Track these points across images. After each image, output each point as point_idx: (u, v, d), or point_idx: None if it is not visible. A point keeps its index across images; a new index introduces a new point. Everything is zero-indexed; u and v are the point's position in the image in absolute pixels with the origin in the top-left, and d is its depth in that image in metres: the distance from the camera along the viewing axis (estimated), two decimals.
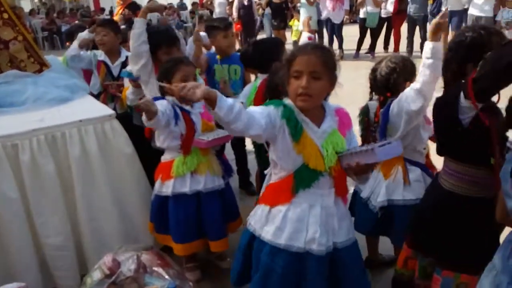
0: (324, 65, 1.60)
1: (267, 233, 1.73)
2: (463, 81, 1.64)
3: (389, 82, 2.14)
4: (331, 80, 1.65)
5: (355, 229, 2.07)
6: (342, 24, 9.33)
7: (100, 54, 3.33)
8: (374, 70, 2.23)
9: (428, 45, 1.90)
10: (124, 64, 3.29)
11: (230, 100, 1.50)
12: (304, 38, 2.68)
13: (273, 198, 1.76)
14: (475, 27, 1.75)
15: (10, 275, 2.24)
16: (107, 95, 3.28)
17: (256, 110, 1.61)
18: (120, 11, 6.15)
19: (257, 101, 2.62)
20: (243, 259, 1.86)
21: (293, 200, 1.70)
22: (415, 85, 1.98)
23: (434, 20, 1.91)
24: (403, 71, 2.14)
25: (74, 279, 2.40)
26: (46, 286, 2.40)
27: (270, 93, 2.25)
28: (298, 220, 1.70)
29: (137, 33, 2.56)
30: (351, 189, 2.09)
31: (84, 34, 3.41)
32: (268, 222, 1.74)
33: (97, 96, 3.26)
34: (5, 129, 2.29)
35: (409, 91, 2.01)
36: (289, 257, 1.69)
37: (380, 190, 2.21)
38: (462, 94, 1.62)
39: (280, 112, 1.63)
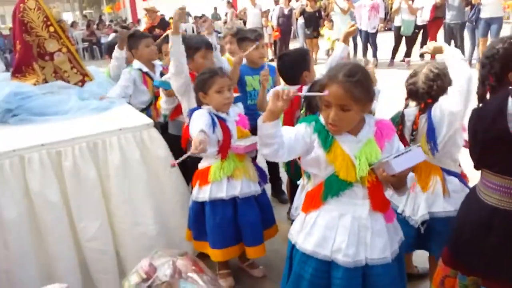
0: (353, 98, 1.57)
1: (298, 239, 1.76)
2: (510, 87, 1.59)
3: (432, 88, 2.11)
4: (364, 106, 1.62)
5: None
6: (376, 32, 9.26)
7: (140, 66, 3.35)
8: (413, 76, 2.18)
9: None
10: (161, 73, 3.40)
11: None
12: (339, 50, 2.64)
13: (307, 204, 1.79)
14: (503, 38, 1.71)
15: (52, 277, 2.33)
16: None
17: (292, 138, 1.67)
18: (148, 27, 6.28)
19: (286, 113, 2.64)
20: (289, 270, 1.85)
21: (324, 206, 1.70)
22: (458, 87, 1.96)
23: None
24: (446, 78, 2.10)
25: (114, 283, 2.47)
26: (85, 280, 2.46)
27: (308, 108, 2.29)
28: (327, 228, 1.69)
29: (177, 51, 2.51)
30: None
31: (118, 54, 3.49)
32: (302, 229, 1.76)
33: (146, 109, 3.28)
34: (50, 136, 2.40)
35: (452, 92, 1.99)
36: (318, 265, 1.69)
37: (419, 204, 2.14)
38: (510, 101, 1.56)
39: (312, 127, 1.68)
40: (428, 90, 2.11)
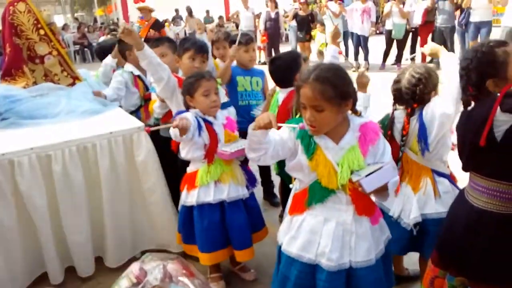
0: (324, 98, 1.56)
1: (284, 241, 1.78)
2: (497, 93, 1.61)
3: (415, 93, 2.12)
4: (339, 106, 1.60)
5: None
6: (368, 36, 9.31)
7: (133, 69, 3.34)
8: (397, 82, 2.21)
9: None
10: None
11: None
12: (329, 52, 2.69)
13: (292, 207, 1.81)
14: (474, 47, 1.71)
15: (41, 261, 2.54)
16: (148, 107, 3.25)
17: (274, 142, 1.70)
18: (145, 32, 6.17)
19: (280, 117, 2.64)
20: (277, 269, 1.86)
21: (309, 211, 1.72)
22: (449, 90, 1.97)
23: None
24: (429, 81, 2.12)
25: (89, 267, 2.66)
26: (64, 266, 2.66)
27: (298, 109, 2.30)
28: (312, 232, 1.70)
29: (146, 63, 2.46)
30: None
31: (109, 61, 3.45)
32: (288, 231, 1.78)
33: (136, 111, 3.28)
34: (39, 140, 2.39)
35: (444, 95, 2.01)
36: (302, 267, 1.71)
37: (411, 206, 2.15)
38: (498, 109, 1.57)
39: (296, 133, 1.68)
40: (412, 96, 2.13)
